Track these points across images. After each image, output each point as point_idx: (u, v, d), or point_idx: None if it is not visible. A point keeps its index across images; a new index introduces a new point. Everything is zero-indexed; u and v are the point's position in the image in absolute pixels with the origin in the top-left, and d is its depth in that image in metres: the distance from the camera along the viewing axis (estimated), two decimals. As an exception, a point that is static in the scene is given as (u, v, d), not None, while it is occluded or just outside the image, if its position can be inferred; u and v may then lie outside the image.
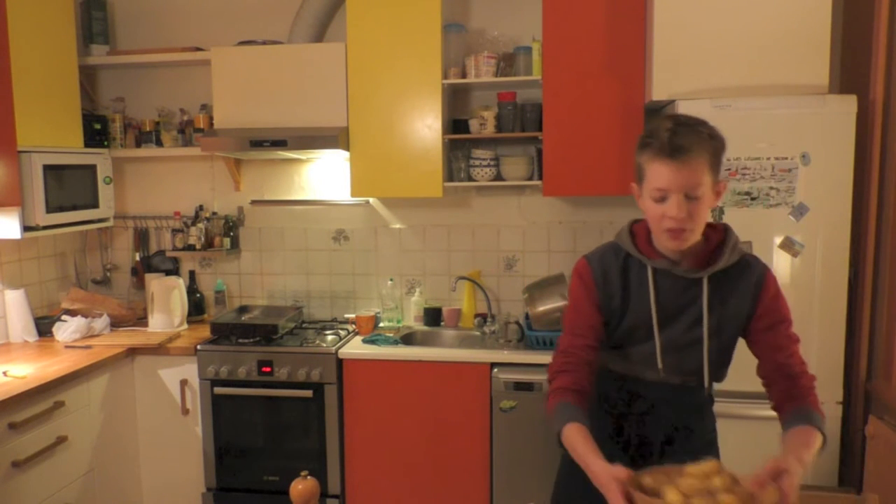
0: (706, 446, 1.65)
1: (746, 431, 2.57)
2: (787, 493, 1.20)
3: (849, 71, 2.82)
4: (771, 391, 1.56)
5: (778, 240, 2.50)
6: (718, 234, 1.54)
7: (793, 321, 1.57)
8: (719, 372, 1.63)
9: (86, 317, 3.15)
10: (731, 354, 1.62)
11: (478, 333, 3.19)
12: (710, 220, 1.51)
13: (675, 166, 1.37)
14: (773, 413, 2.52)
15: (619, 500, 1.20)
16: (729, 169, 2.49)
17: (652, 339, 1.55)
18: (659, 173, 1.40)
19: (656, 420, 1.62)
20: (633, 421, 1.63)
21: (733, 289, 1.54)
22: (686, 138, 1.38)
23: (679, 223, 1.40)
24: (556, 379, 1.54)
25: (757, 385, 2.52)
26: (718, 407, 2.54)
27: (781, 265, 2.50)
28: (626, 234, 1.58)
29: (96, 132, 3.31)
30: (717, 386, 2.63)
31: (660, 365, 1.56)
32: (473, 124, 3.13)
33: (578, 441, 1.38)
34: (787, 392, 1.51)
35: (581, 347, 1.55)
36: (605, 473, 1.26)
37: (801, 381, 1.51)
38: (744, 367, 2.53)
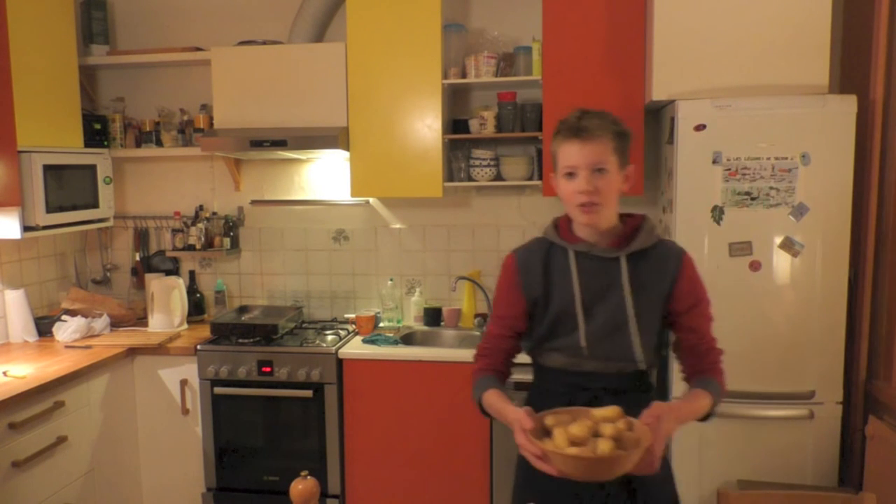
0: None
1: (746, 431, 2.57)
2: (656, 437, 1.33)
3: (849, 71, 2.82)
4: (683, 365, 1.66)
5: (778, 240, 2.50)
6: (636, 220, 1.64)
7: (710, 301, 1.64)
8: (649, 355, 1.63)
9: (86, 317, 3.15)
10: (657, 337, 1.64)
11: (478, 333, 3.19)
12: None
13: (581, 143, 1.52)
14: (771, 413, 2.55)
15: (521, 436, 1.38)
16: (729, 169, 2.49)
17: (577, 323, 1.59)
18: (568, 153, 1.54)
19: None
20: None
21: (652, 270, 1.59)
22: (590, 121, 1.54)
23: (588, 196, 1.51)
24: (477, 360, 1.73)
25: (756, 385, 2.53)
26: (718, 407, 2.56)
27: (781, 265, 2.50)
28: (551, 226, 1.69)
29: (96, 132, 3.31)
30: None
31: (584, 344, 1.58)
32: (473, 124, 3.13)
33: (494, 399, 1.58)
34: (697, 367, 1.62)
35: (498, 336, 1.70)
36: (513, 414, 1.44)
37: (709, 356, 1.62)
38: (743, 367, 2.54)
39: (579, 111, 1.58)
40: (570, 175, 1.54)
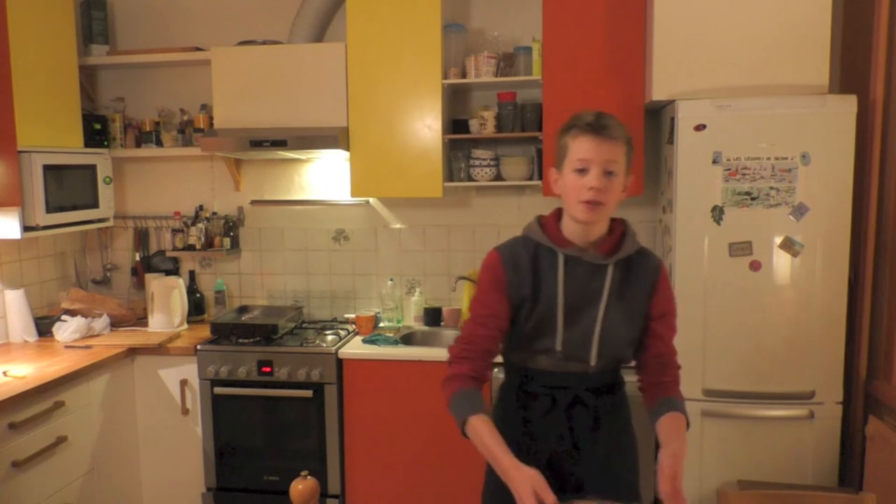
0: (625, 426, 1.72)
1: (746, 431, 2.57)
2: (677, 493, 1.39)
3: (849, 71, 2.82)
4: (644, 372, 1.68)
5: (778, 240, 2.50)
6: (620, 226, 1.64)
7: (677, 312, 1.68)
8: (615, 353, 1.64)
9: (86, 317, 3.15)
10: (630, 339, 1.64)
11: (478, 333, 3.19)
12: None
13: (599, 140, 1.50)
14: (771, 413, 2.55)
15: (530, 501, 1.32)
16: (729, 169, 2.49)
17: (556, 330, 1.59)
18: (584, 146, 1.51)
19: (582, 408, 1.65)
20: (560, 412, 1.65)
21: (633, 277, 1.62)
22: (609, 121, 1.52)
23: (597, 194, 1.50)
24: (454, 364, 1.60)
25: (756, 385, 2.53)
26: (715, 407, 2.56)
27: (781, 265, 2.50)
28: (536, 225, 1.66)
29: (96, 132, 3.31)
30: (716, 386, 2.64)
31: (559, 348, 1.59)
32: (473, 124, 3.13)
33: (485, 434, 1.49)
34: (659, 379, 1.64)
35: (482, 337, 1.60)
36: (517, 473, 1.39)
37: (671, 370, 1.66)
38: (743, 367, 2.54)
39: (594, 111, 1.56)
40: (581, 171, 1.52)
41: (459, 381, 1.58)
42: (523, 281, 1.60)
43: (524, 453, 1.55)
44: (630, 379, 1.71)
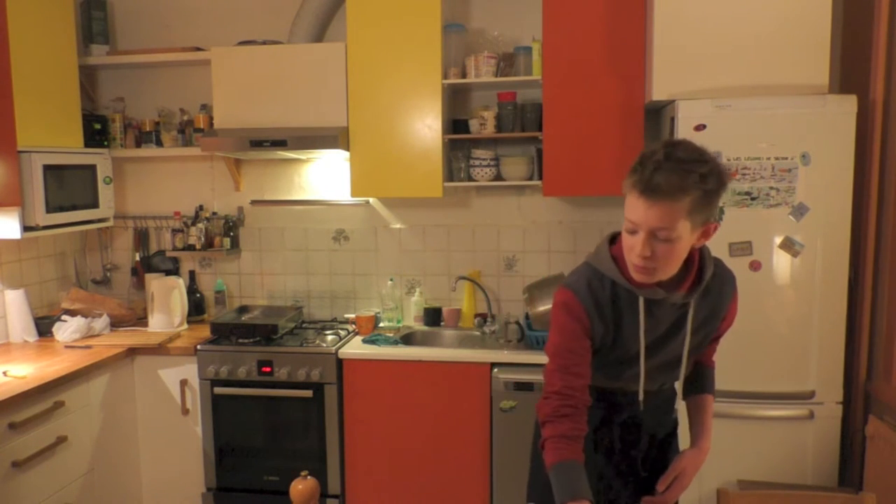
0: (672, 433, 1.74)
1: (746, 431, 2.57)
2: (677, 488, 1.51)
3: (849, 71, 2.82)
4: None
5: (778, 240, 2.50)
6: (696, 252, 1.49)
7: None
8: (680, 375, 1.64)
9: (86, 317, 3.15)
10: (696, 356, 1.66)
11: (478, 333, 3.19)
12: None
13: (648, 205, 1.30)
14: (771, 413, 2.56)
15: None
16: (729, 169, 2.49)
17: (638, 364, 1.55)
18: (633, 206, 1.34)
19: (639, 425, 1.65)
20: (616, 428, 1.65)
21: (713, 301, 1.56)
22: (669, 178, 1.28)
23: (646, 262, 1.36)
24: (553, 423, 1.44)
25: (756, 385, 2.53)
26: (718, 407, 2.55)
27: (781, 265, 2.50)
28: (609, 259, 1.49)
29: (96, 132, 3.31)
30: (716, 386, 2.64)
31: (643, 380, 1.57)
32: (473, 124, 3.13)
33: None
34: (698, 371, 1.69)
35: (581, 388, 1.46)
36: None
37: (710, 362, 1.72)
38: (743, 367, 2.54)
39: (664, 153, 1.30)
40: (632, 232, 1.37)
41: (565, 445, 1.42)
42: (607, 328, 1.49)
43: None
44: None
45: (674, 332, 1.53)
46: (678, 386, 1.64)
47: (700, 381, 1.67)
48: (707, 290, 1.52)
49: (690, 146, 1.34)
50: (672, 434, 1.71)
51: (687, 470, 1.54)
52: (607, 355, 1.54)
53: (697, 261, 1.49)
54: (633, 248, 1.36)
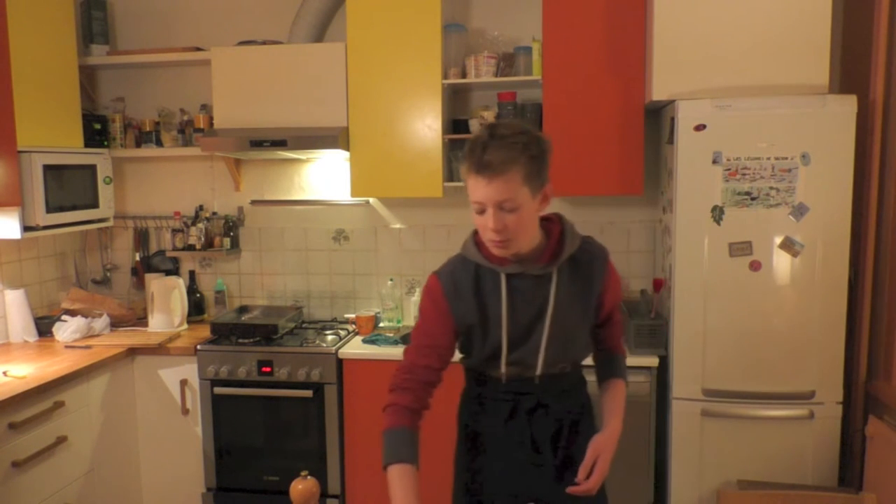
0: (580, 418, 1.71)
1: (746, 431, 2.57)
2: (598, 474, 1.51)
3: (849, 71, 2.82)
4: (595, 359, 1.76)
5: (778, 240, 2.50)
6: (557, 226, 1.58)
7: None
8: (571, 355, 1.64)
9: (86, 317, 3.15)
10: (582, 335, 1.64)
11: (478, 333, 3.19)
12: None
13: (486, 181, 1.40)
14: (771, 413, 2.56)
15: None
16: (729, 169, 2.49)
17: (522, 345, 1.57)
18: (474, 187, 1.44)
19: (545, 413, 1.65)
20: (522, 417, 1.65)
21: (581, 275, 1.58)
22: (497, 154, 1.39)
23: (498, 234, 1.44)
24: (395, 393, 1.61)
25: (756, 385, 2.53)
26: (715, 407, 2.56)
27: (781, 265, 2.50)
28: (472, 244, 1.60)
29: (96, 132, 3.31)
30: (716, 386, 2.64)
31: (503, 370, 1.58)
32: (473, 124, 3.13)
33: (396, 487, 1.57)
34: (606, 358, 1.74)
35: (423, 367, 1.58)
36: None
37: (619, 349, 1.76)
38: (743, 367, 2.54)
39: (487, 134, 1.42)
40: (480, 212, 1.46)
41: (397, 414, 1.61)
42: (468, 310, 1.56)
43: (494, 459, 1.65)
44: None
45: (541, 308, 1.55)
46: (589, 374, 1.70)
47: (609, 367, 1.72)
48: (576, 264, 1.57)
49: (509, 123, 1.48)
50: (581, 417, 1.69)
51: (603, 454, 1.54)
52: (484, 336, 1.57)
53: (558, 234, 1.56)
54: (487, 225, 1.45)
